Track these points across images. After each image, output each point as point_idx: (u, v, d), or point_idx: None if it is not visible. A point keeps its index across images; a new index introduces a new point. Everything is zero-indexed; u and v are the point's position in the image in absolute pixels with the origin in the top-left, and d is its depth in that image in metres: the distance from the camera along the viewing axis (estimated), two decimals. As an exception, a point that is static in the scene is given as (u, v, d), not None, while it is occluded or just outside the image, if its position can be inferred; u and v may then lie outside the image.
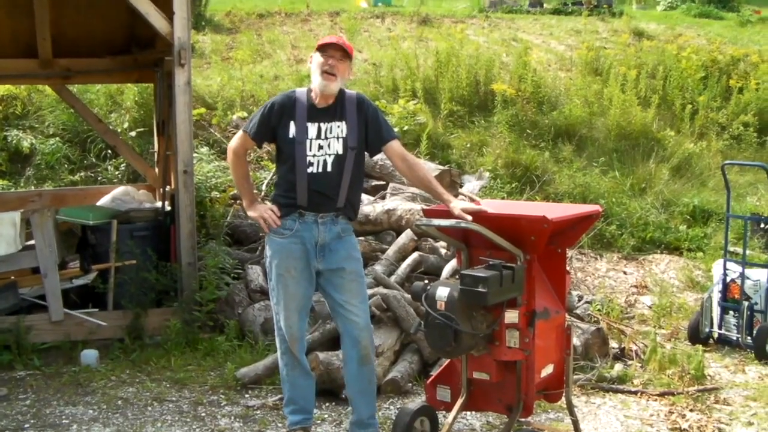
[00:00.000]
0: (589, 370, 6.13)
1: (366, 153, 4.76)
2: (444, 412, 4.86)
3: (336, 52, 4.54)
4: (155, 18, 6.59)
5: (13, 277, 6.71)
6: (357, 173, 4.67)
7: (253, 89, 10.83)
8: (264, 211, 4.61)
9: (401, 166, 4.70)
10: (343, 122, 4.58)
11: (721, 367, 6.57)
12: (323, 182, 4.54)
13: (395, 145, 4.67)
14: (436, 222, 4.47)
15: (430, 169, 7.85)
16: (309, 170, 4.51)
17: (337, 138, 4.56)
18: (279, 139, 4.61)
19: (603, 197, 9.54)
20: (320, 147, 4.53)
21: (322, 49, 4.56)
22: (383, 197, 7.88)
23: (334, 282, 4.65)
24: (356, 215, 4.81)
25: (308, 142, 4.52)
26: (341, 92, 4.63)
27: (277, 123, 4.58)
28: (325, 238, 4.59)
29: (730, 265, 7.13)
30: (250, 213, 4.71)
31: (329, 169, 4.53)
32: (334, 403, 5.50)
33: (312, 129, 4.53)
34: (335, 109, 4.60)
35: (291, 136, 4.54)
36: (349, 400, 4.84)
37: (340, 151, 4.55)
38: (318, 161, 4.53)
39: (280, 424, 5.18)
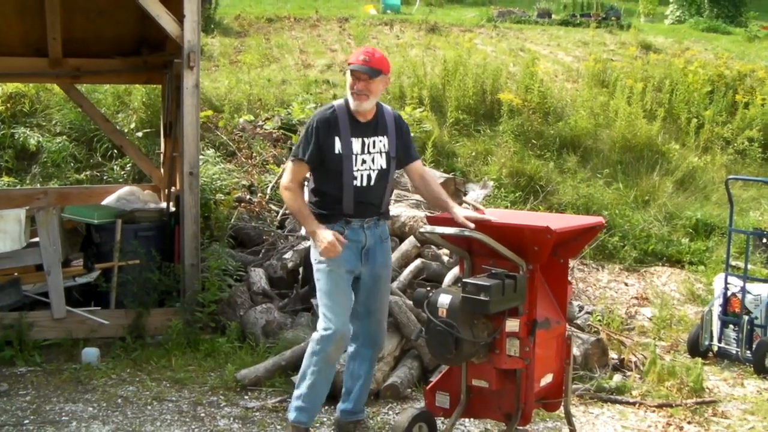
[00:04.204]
0: (588, 381, 6.14)
1: None
2: (443, 418, 4.88)
3: (363, 75, 4.57)
4: (166, 21, 6.63)
5: (16, 274, 6.75)
6: (393, 179, 4.85)
7: (260, 93, 10.87)
8: (327, 238, 4.50)
9: (419, 184, 4.90)
10: (385, 136, 4.70)
11: (720, 381, 6.58)
12: (368, 194, 4.66)
13: (418, 164, 4.87)
14: (440, 230, 4.50)
15: (435, 176, 7.88)
16: (354, 183, 4.60)
17: (381, 153, 4.67)
18: (323, 154, 4.63)
19: (606, 209, 9.56)
20: (364, 162, 4.62)
21: (350, 70, 4.62)
22: (387, 203, 7.90)
23: (370, 287, 4.78)
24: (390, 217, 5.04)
25: (354, 157, 4.59)
26: (379, 106, 4.74)
27: (325, 140, 4.60)
28: (370, 241, 4.71)
29: (731, 279, 7.14)
30: (316, 238, 4.57)
31: (372, 183, 4.65)
32: (333, 407, 5.48)
33: (356, 144, 4.61)
34: (376, 123, 4.71)
35: (337, 151, 4.59)
36: (346, 391, 5.00)
37: (384, 166, 4.68)
38: (362, 175, 4.62)
39: (279, 426, 5.20)
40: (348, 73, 4.64)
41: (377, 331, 4.89)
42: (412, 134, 5.01)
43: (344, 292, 4.69)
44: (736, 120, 11.77)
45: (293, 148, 4.82)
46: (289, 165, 4.75)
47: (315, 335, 4.72)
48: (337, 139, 4.59)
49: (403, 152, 4.80)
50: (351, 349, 4.95)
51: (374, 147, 4.66)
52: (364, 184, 4.63)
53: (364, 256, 4.71)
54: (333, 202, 4.65)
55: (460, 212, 4.56)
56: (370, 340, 4.89)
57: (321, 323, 4.69)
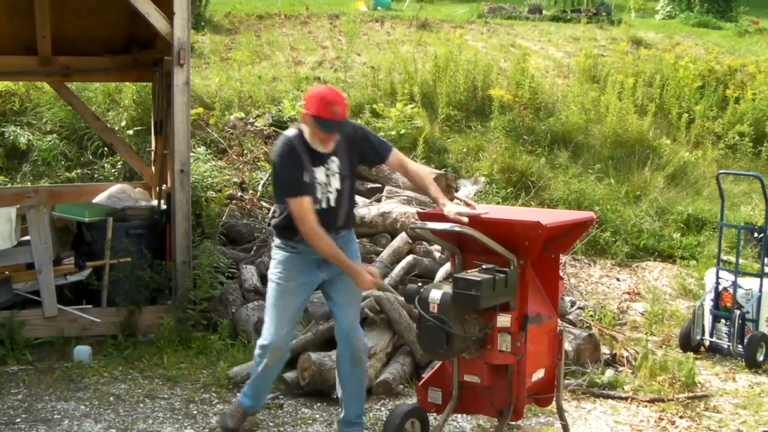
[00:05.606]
0: (580, 376, 6.16)
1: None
2: (435, 414, 4.89)
3: (341, 130, 4.57)
4: (156, 18, 6.61)
5: (7, 272, 6.72)
6: (352, 193, 4.84)
7: (251, 90, 10.85)
8: (364, 271, 4.64)
9: (403, 174, 4.96)
10: (337, 158, 4.67)
11: (712, 375, 6.60)
12: (329, 215, 4.66)
13: (393, 157, 4.82)
14: (431, 225, 4.50)
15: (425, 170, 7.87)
16: (317, 207, 4.58)
17: (334, 174, 4.66)
18: None
19: (598, 204, 9.56)
20: (323, 185, 4.62)
21: (322, 124, 4.47)
22: (379, 200, 7.91)
23: (336, 285, 4.78)
24: (355, 221, 5.03)
25: (317, 186, 4.59)
26: None
27: (296, 173, 4.56)
28: None
29: (722, 273, 7.16)
30: (353, 271, 4.62)
31: (332, 204, 4.66)
32: (325, 404, 5.52)
33: (319, 173, 4.60)
34: (333, 148, 4.67)
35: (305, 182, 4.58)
36: (340, 399, 4.93)
37: (339, 186, 4.68)
38: (324, 198, 4.64)
39: (271, 423, 5.21)
40: (316, 120, 4.46)
41: (350, 329, 4.78)
42: (377, 134, 5.02)
43: (288, 306, 4.73)
44: (726, 115, 11.79)
45: (277, 189, 4.75)
46: (299, 204, 4.50)
47: (258, 342, 4.88)
48: (304, 172, 4.55)
49: (372, 153, 4.79)
50: (334, 355, 4.95)
51: (330, 170, 4.63)
52: (325, 206, 4.63)
53: (322, 263, 4.68)
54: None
55: (452, 208, 4.55)
56: (346, 340, 4.79)
57: (262, 334, 4.84)
